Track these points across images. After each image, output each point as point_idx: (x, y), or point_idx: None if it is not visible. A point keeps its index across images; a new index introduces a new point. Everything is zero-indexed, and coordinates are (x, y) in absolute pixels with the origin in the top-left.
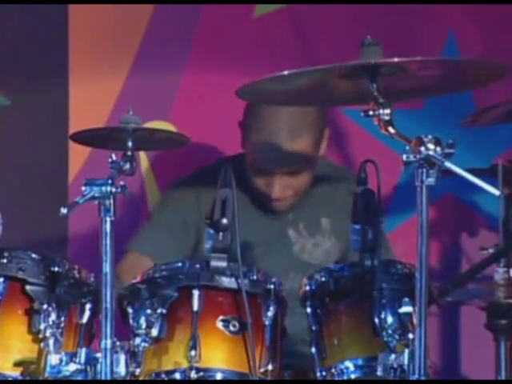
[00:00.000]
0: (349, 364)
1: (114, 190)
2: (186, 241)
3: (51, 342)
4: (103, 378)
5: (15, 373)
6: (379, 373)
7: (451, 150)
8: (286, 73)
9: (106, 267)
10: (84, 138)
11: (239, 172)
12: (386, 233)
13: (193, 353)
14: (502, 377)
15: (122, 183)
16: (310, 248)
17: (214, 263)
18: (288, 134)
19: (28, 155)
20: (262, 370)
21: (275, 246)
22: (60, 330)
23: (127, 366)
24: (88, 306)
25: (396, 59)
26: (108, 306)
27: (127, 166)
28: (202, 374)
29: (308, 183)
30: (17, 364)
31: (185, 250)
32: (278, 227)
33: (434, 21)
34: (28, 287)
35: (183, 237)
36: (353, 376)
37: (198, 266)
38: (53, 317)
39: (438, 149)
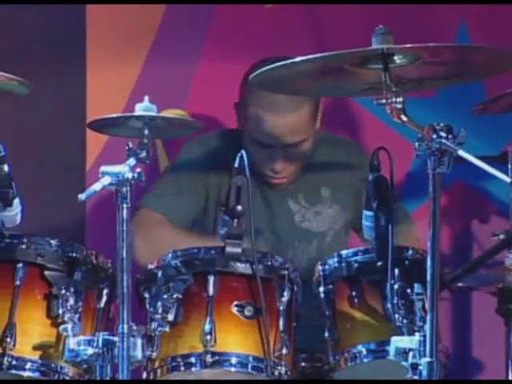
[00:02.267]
0: (361, 348)
1: (130, 177)
2: (195, 198)
3: (69, 326)
4: (120, 361)
5: (34, 356)
6: (391, 357)
7: (463, 138)
8: (298, 59)
9: (123, 253)
10: (101, 125)
11: (240, 146)
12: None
13: (208, 337)
14: None
15: (138, 170)
16: (310, 216)
17: (228, 249)
18: (289, 105)
19: (46, 143)
20: (276, 354)
21: (278, 217)
22: (78, 315)
23: (144, 350)
24: (105, 291)
25: (408, 45)
26: (125, 291)
27: (143, 153)
28: (217, 357)
29: (307, 154)
30: (36, 348)
31: (194, 208)
32: (278, 200)
33: (446, 10)
34: (46, 272)
35: (192, 194)
36: (365, 360)
37: (213, 251)
38: (71, 301)
39: (450, 136)
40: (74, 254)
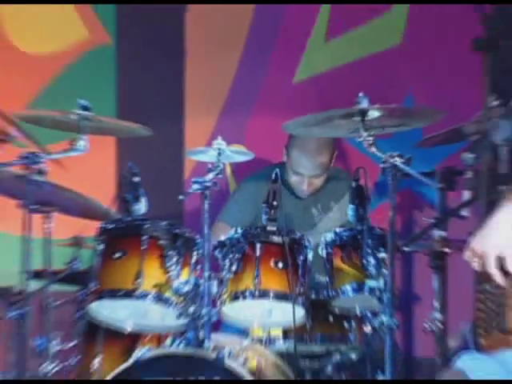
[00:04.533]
0: (348, 287)
1: (210, 185)
2: (250, 213)
3: (174, 273)
4: (205, 295)
5: (153, 291)
6: (366, 292)
7: (409, 161)
8: (308, 116)
9: (206, 229)
10: (193, 153)
11: (282, 173)
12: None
13: (256, 280)
14: None
15: (215, 181)
16: (324, 221)
17: (268, 228)
18: (316, 151)
19: (160, 165)
20: (297, 290)
21: (302, 219)
22: (179, 266)
23: (218, 287)
24: (195, 253)
25: (376, 106)
26: (206, 252)
27: (218, 171)
28: (262, 292)
29: (323, 182)
30: (154, 286)
31: (249, 218)
32: (303, 207)
33: (397, 83)
34: (160, 242)
35: (248, 211)
36: (351, 295)
37: (259, 229)
38: (175, 259)
39: (402, 160)
40: (177, 231)
